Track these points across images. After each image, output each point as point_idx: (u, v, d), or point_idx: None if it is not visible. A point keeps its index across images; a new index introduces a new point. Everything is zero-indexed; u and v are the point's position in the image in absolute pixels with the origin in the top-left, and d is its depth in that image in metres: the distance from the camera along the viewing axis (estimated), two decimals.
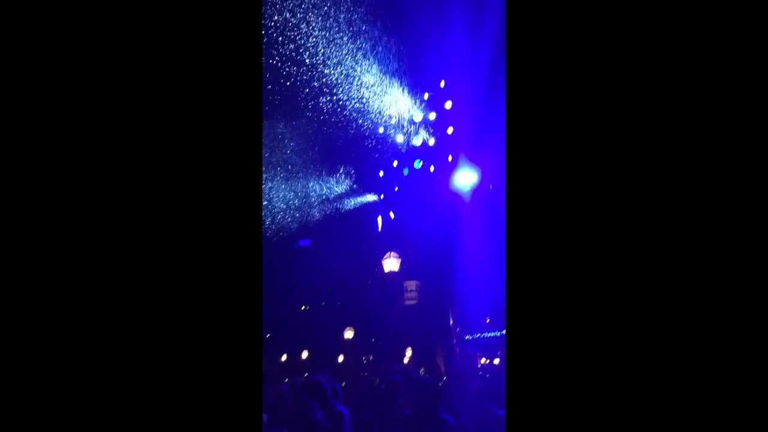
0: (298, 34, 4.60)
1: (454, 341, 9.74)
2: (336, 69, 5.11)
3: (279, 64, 4.83)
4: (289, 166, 7.37)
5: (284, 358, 13.66)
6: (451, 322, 10.12)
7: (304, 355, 13.57)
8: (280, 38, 4.58)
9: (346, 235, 10.68)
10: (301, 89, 5.30)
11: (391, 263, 10.27)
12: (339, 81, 5.29)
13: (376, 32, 5.62)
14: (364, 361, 12.53)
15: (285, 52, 4.71)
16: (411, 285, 11.18)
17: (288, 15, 4.38)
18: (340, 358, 12.88)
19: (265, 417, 2.98)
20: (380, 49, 5.77)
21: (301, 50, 4.77)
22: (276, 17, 4.34)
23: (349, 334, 12.62)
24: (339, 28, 4.79)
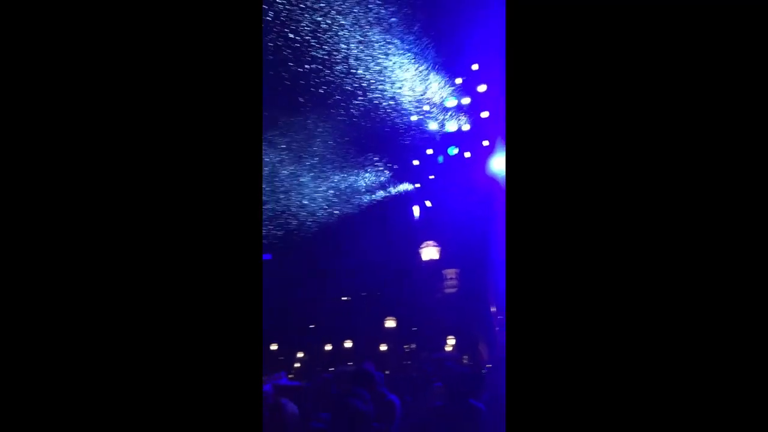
0: (330, 37, 4.81)
1: (497, 328, 9.82)
2: (368, 70, 5.29)
3: (312, 67, 5.06)
4: (320, 163, 7.62)
5: (329, 347, 14.17)
6: (493, 308, 10.19)
7: (348, 344, 14.02)
8: (313, 42, 4.80)
9: (384, 226, 10.91)
10: (336, 90, 5.52)
11: (429, 252, 10.42)
12: (372, 79, 5.46)
13: (406, 24, 5.72)
14: (407, 350, 12.82)
15: (318, 56, 4.93)
16: (450, 273, 11.30)
17: (319, 18, 4.59)
18: (383, 347, 13.23)
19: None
20: (411, 39, 5.86)
21: (334, 53, 4.98)
22: (305, 22, 4.56)
23: (390, 323, 12.93)
24: (370, 26, 4.96)
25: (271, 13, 4.32)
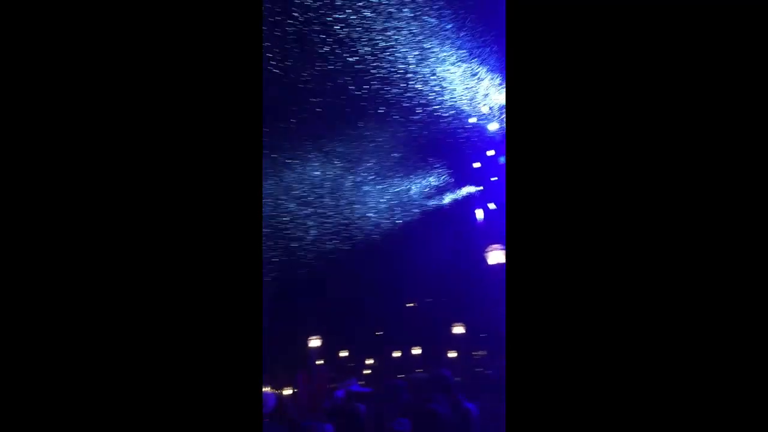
0: (390, 55, 5.06)
1: None
2: (427, 84, 5.48)
3: (373, 86, 5.35)
4: (382, 171, 7.89)
5: (397, 354, 14.42)
6: None
7: (416, 351, 14.19)
8: (374, 62, 5.07)
9: (448, 231, 11.00)
10: (397, 105, 5.76)
11: (496, 255, 10.30)
12: (431, 91, 5.64)
13: (462, 29, 5.83)
14: (476, 357, 12.76)
15: (378, 74, 5.21)
16: None
17: (378, 37, 4.85)
18: (452, 354, 13.27)
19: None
20: (467, 43, 5.96)
21: (393, 69, 5.23)
22: (364, 45, 4.84)
23: (459, 329, 12.95)
24: (425, 39, 5.15)
25: (330, 40, 4.64)
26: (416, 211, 9.18)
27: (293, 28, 4.41)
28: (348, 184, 7.70)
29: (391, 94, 5.52)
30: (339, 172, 7.54)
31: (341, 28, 4.84)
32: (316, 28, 4.58)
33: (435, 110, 5.93)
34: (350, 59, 4.90)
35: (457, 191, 10.31)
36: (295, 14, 4.30)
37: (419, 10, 5.05)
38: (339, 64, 4.88)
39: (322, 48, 4.74)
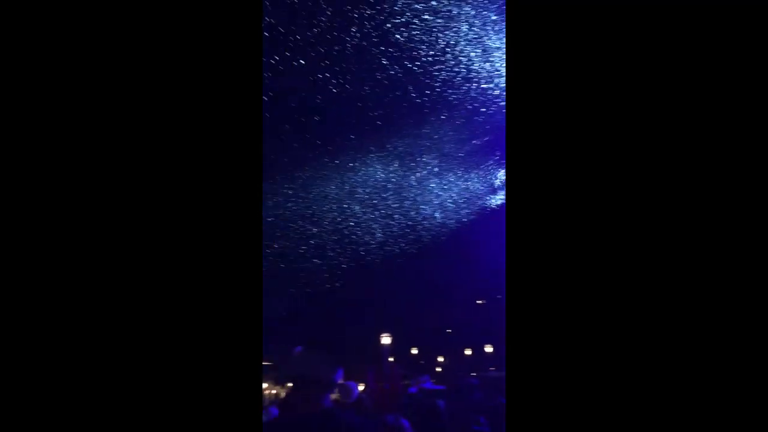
0: (452, 58, 5.10)
1: None
2: (492, 82, 5.45)
3: (435, 90, 5.41)
4: (445, 165, 7.91)
5: (469, 352, 14.41)
6: None
7: (488, 349, 14.10)
8: (435, 67, 5.13)
9: None
10: (460, 105, 5.79)
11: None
12: (499, 86, 5.61)
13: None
14: None
15: (440, 77, 5.26)
16: None
17: (443, 44, 4.90)
18: None
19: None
20: None
21: (455, 71, 5.25)
22: (424, 49, 4.90)
23: None
24: (488, 36, 5.12)
25: (390, 51, 4.74)
26: (483, 207, 9.13)
27: (351, 44, 4.57)
28: (412, 184, 7.79)
29: (453, 96, 5.54)
30: (402, 172, 7.65)
31: (401, 33, 4.92)
32: (375, 39, 4.71)
33: (501, 107, 5.88)
34: (411, 66, 4.99)
35: None
36: (353, 30, 4.45)
37: (479, 7, 5.04)
38: (399, 72, 4.98)
39: (381, 59, 4.87)
